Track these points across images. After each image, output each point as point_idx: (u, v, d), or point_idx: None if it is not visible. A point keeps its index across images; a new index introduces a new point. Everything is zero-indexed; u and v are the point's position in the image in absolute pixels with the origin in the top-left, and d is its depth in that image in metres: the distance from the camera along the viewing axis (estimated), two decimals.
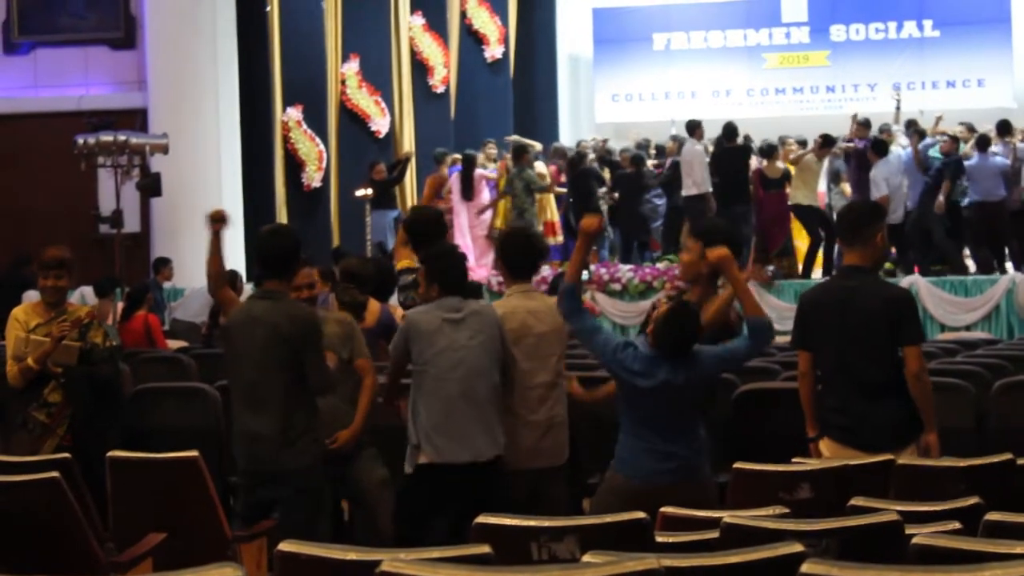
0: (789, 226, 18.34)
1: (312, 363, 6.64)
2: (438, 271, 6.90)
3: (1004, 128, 18.08)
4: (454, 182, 19.20)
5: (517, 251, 7.21)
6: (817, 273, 17.81)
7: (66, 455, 6.46)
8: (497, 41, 24.20)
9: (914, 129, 18.47)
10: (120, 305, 14.49)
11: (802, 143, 18.80)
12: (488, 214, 18.97)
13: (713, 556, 4.13)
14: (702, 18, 25.99)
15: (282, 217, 19.60)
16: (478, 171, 19.06)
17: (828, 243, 17.58)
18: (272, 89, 19.98)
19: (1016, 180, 17.33)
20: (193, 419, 8.30)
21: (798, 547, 4.04)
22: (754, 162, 18.46)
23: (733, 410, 7.96)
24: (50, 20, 20.05)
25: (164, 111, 18.78)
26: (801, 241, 18.59)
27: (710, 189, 18.10)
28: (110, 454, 6.43)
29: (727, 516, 4.66)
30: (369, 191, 18.87)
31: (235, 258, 17.89)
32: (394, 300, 9.51)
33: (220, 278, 7.59)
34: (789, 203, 17.89)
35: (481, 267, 17.72)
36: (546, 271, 17.72)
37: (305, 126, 20.13)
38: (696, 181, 18.07)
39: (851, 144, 18.73)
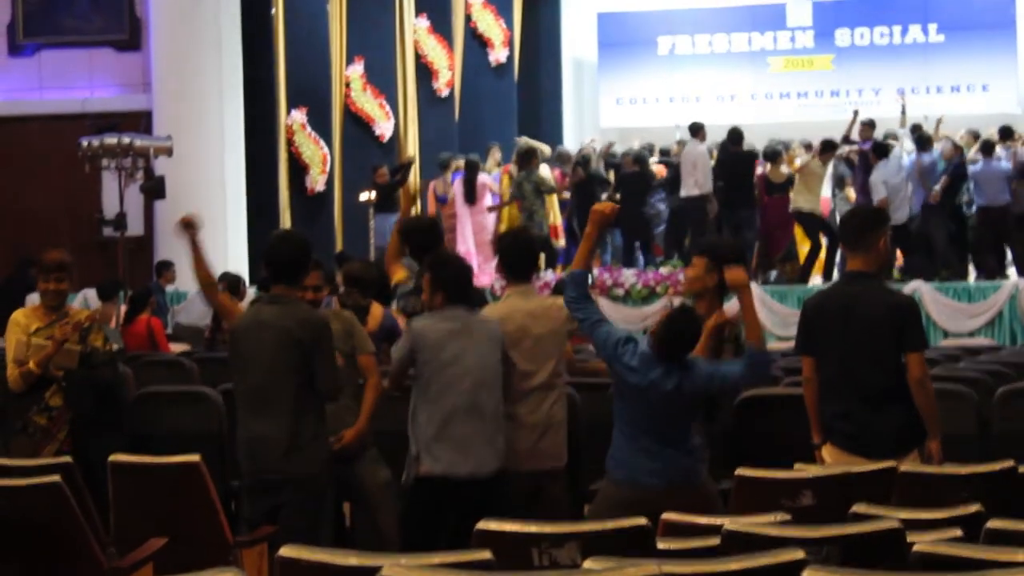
0: (793, 230, 18.35)
1: (322, 367, 6.63)
2: (443, 280, 6.85)
3: (1006, 133, 18.09)
4: (457, 187, 19.19)
5: (516, 252, 7.21)
6: (816, 279, 17.80)
7: (68, 459, 6.46)
8: (502, 44, 24.19)
9: (918, 135, 18.42)
10: (123, 308, 14.49)
11: (807, 147, 18.80)
12: (492, 219, 18.96)
13: (714, 562, 4.13)
14: (707, 22, 25.98)
15: (285, 220, 19.59)
16: (481, 176, 19.04)
17: (831, 249, 17.57)
18: (276, 92, 19.97)
19: (1020, 184, 17.32)
20: (195, 423, 8.29)
21: (800, 554, 4.04)
22: (758, 167, 18.46)
23: (735, 416, 7.95)
24: (55, 22, 20.04)
25: (168, 114, 18.78)
26: (806, 247, 18.60)
27: (711, 190, 18.10)
28: (112, 458, 6.43)
29: (728, 523, 4.66)
30: (373, 195, 18.88)
31: (238, 262, 17.95)
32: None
33: (211, 285, 7.57)
34: (790, 208, 17.89)
35: (484, 273, 17.72)
36: (549, 276, 17.74)
37: (309, 129, 20.13)
38: (698, 181, 18.08)
39: (855, 146, 18.75)
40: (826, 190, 19.41)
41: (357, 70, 21.25)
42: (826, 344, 6.77)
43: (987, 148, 17.62)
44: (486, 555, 4.04)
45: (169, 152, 17.64)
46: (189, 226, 7.44)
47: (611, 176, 20.24)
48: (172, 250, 18.09)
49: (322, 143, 20.23)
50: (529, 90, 25.08)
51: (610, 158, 20.67)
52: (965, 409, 8.08)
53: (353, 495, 7.52)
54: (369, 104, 21.27)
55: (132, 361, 10.89)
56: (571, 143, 23.81)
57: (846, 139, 18.89)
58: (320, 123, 20.37)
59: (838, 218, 16.66)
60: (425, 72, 22.74)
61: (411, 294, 7.95)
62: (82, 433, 7.48)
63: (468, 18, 23.98)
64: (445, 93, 23.02)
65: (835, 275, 17.12)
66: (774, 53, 25.69)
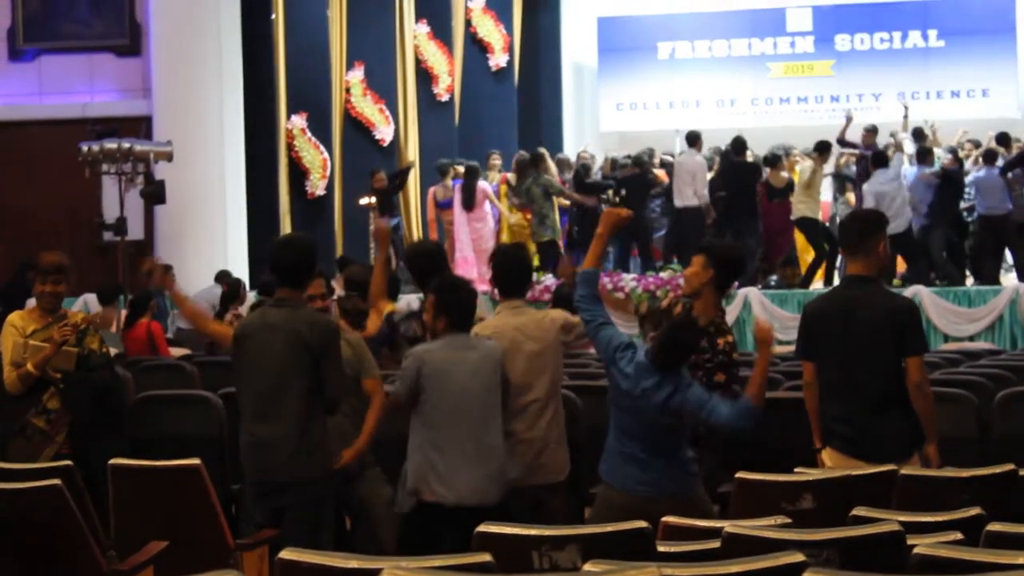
0: (793, 235, 18.36)
1: (330, 370, 6.63)
2: (448, 304, 6.82)
3: (1003, 140, 18.07)
4: (456, 193, 19.19)
5: (508, 269, 7.21)
6: (817, 284, 17.80)
7: (68, 462, 6.45)
8: (502, 49, 24.20)
9: (919, 147, 18.40)
10: (123, 313, 14.49)
11: (809, 153, 18.80)
12: (491, 226, 18.95)
13: (714, 565, 4.13)
14: (707, 27, 25.98)
15: (285, 225, 19.59)
16: (480, 184, 19.03)
17: (831, 255, 17.58)
18: (276, 97, 19.97)
19: (1020, 191, 17.32)
20: (196, 427, 8.30)
21: (799, 556, 4.04)
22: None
23: None
24: (55, 27, 20.04)
25: (168, 118, 18.77)
26: (809, 255, 18.61)
27: (708, 200, 18.07)
28: (112, 461, 6.43)
29: (728, 525, 4.66)
30: (373, 199, 18.87)
31: (238, 266, 17.96)
32: (400, 305, 9.50)
33: (199, 319, 7.69)
34: (792, 217, 17.89)
35: (483, 281, 17.71)
36: (549, 280, 17.74)
37: (309, 134, 20.13)
38: (697, 191, 18.05)
39: (857, 151, 18.77)
40: (827, 195, 19.43)
41: (357, 75, 21.25)
42: (826, 348, 6.78)
43: (989, 157, 17.62)
44: (486, 558, 4.03)
45: (169, 157, 17.64)
46: (157, 274, 7.43)
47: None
48: (172, 254, 18.11)
49: (322, 148, 20.24)
50: (529, 95, 25.08)
51: (613, 170, 20.59)
52: (965, 413, 8.09)
53: (351, 511, 7.52)
54: (369, 109, 21.28)
55: (132, 365, 10.88)
56: (571, 148, 23.79)
57: (840, 141, 18.90)
58: (320, 128, 20.37)
59: (839, 222, 16.64)
60: (425, 77, 22.75)
61: (410, 317, 7.92)
62: (81, 436, 7.47)
63: (468, 23, 23.98)
64: (445, 98, 23.02)
65: (835, 280, 17.14)
66: (774, 58, 25.69)
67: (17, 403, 7.49)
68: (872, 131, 19.02)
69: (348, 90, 21.19)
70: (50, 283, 7.60)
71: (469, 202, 18.76)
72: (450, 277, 7.37)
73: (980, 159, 18.12)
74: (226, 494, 7.73)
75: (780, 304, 17.25)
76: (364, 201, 18.92)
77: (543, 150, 19.78)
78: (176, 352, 13.58)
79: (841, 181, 19.60)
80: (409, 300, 14.67)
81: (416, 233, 21.70)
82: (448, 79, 23.02)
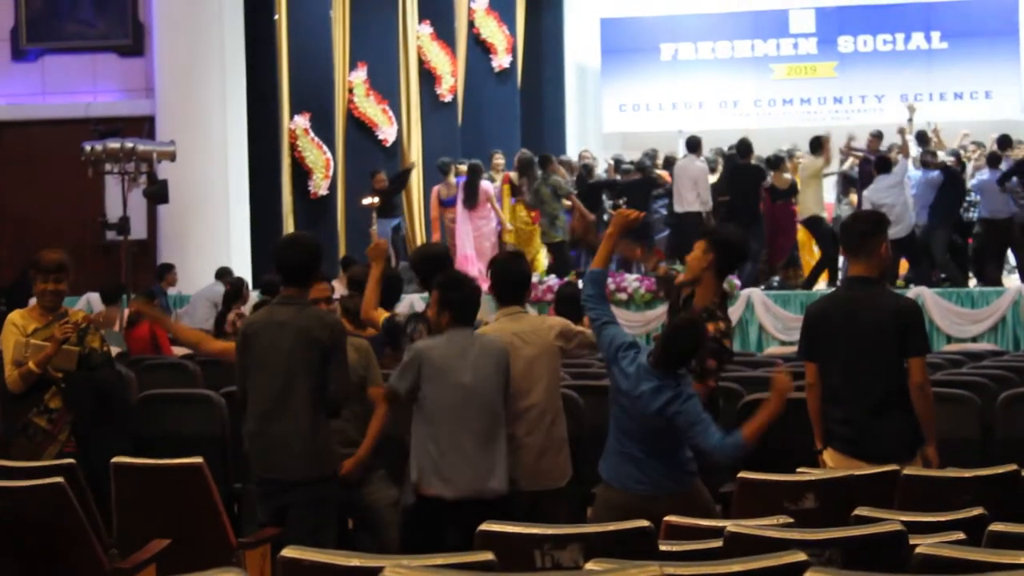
0: (795, 237, 18.36)
1: (336, 370, 6.64)
2: (452, 301, 6.81)
3: (1005, 142, 18.03)
4: (459, 191, 19.19)
5: (504, 280, 7.20)
6: (820, 286, 17.79)
7: (71, 460, 6.45)
8: (505, 50, 24.20)
9: (926, 150, 18.38)
10: (126, 312, 14.50)
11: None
12: (493, 225, 18.95)
13: (716, 564, 4.13)
14: (710, 29, 26.00)
15: (288, 225, 19.59)
16: (483, 183, 19.02)
17: (834, 257, 17.58)
18: (280, 97, 19.97)
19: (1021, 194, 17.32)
20: (198, 426, 8.30)
21: (801, 556, 4.04)
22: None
23: (738, 419, 7.95)
24: (58, 27, 20.04)
25: (171, 118, 18.78)
26: (810, 256, 18.61)
27: (711, 206, 18.04)
28: (114, 460, 6.43)
29: (730, 525, 4.66)
30: (376, 200, 18.87)
31: (241, 266, 17.95)
32: (400, 308, 9.50)
33: (200, 342, 7.84)
34: (800, 218, 17.91)
35: (485, 279, 17.70)
36: (552, 280, 17.75)
37: (312, 134, 20.13)
38: (700, 196, 18.01)
39: (862, 153, 18.79)
40: (830, 196, 19.43)
41: (360, 75, 21.25)
42: (829, 349, 6.77)
43: (993, 160, 17.60)
44: (488, 556, 4.03)
45: (172, 157, 17.64)
46: (141, 313, 7.40)
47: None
48: (175, 254, 18.15)
49: (325, 148, 20.24)
50: (532, 96, 25.09)
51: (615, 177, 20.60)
52: (968, 414, 8.09)
53: (356, 515, 7.52)
54: (372, 109, 21.28)
55: (135, 364, 10.88)
56: (574, 149, 23.81)
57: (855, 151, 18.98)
58: (323, 128, 20.37)
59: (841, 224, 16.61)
60: (428, 78, 22.75)
61: (415, 319, 7.90)
62: (83, 435, 7.45)
63: (471, 24, 23.99)
64: (448, 99, 23.02)
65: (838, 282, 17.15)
66: (777, 60, 25.71)
67: (19, 402, 7.44)
68: (877, 136, 19.03)
69: (351, 90, 21.20)
70: (51, 281, 7.54)
71: (472, 200, 18.76)
72: (453, 273, 7.36)
73: (984, 161, 18.11)
74: (228, 493, 7.73)
75: (783, 305, 17.25)
76: (367, 201, 18.91)
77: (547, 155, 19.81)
78: (179, 351, 13.58)
79: (845, 183, 19.60)
80: (412, 300, 14.68)
81: (419, 233, 21.72)
82: (451, 80, 23.03)
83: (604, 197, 19.51)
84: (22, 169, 19.80)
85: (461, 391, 6.61)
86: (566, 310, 10.26)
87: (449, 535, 6.50)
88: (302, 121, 20.05)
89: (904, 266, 17.86)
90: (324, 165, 20.18)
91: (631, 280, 18.00)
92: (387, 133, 21.41)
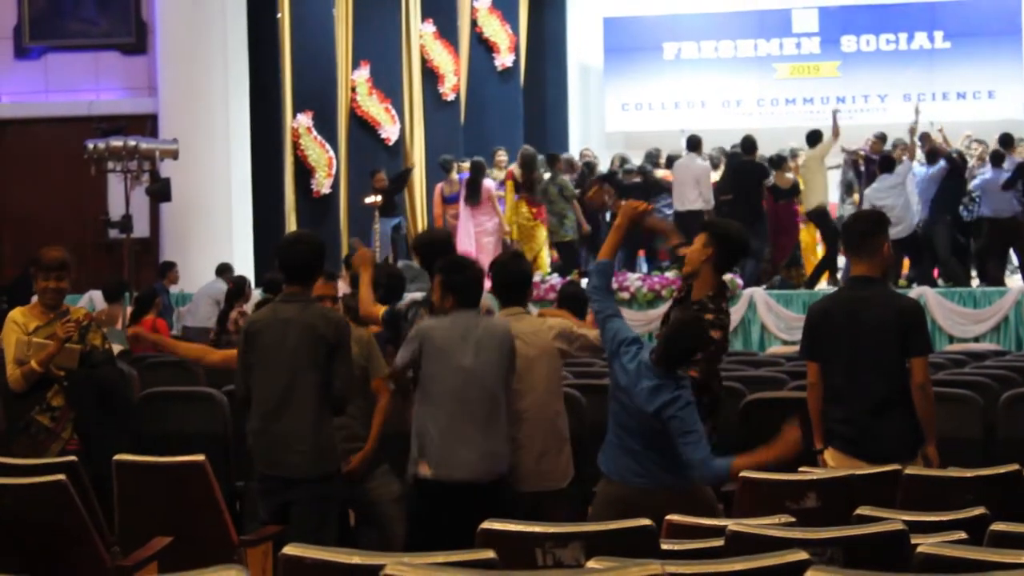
0: (798, 236, 18.36)
1: (340, 368, 6.65)
2: (455, 284, 6.81)
3: (1007, 141, 17.99)
4: (461, 188, 19.20)
5: (505, 281, 7.18)
6: (822, 284, 17.78)
7: (72, 458, 6.45)
8: (508, 49, 24.20)
9: (931, 147, 18.36)
10: (129, 310, 14.50)
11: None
12: (495, 222, 18.95)
13: (718, 563, 4.13)
14: (713, 28, 25.99)
15: (291, 223, 19.59)
16: (487, 182, 19.02)
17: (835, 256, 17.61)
18: (282, 95, 19.97)
19: None
20: (200, 423, 8.31)
21: (803, 555, 4.04)
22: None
23: (741, 419, 7.96)
24: (61, 25, 20.06)
25: (174, 116, 18.79)
26: (813, 255, 18.60)
27: (714, 204, 18.03)
28: (117, 457, 6.42)
29: (732, 524, 4.66)
30: (379, 198, 18.88)
31: (244, 264, 17.96)
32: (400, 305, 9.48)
33: (202, 355, 7.80)
34: (806, 209, 17.91)
35: (487, 277, 17.69)
36: (555, 279, 17.75)
37: (315, 132, 20.13)
38: (703, 194, 18.00)
39: (858, 151, 18.80)
40: (833, 197, 19.41)
41: (363, 74, 21.25)
42: (831, 349, 6.77)
43: (996, 159, 17.58)
44: (490, 554, 4.03)
45: (175, 155, 17.66)
46: (137, 340, 7.37)
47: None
48: (178, 252, 18.16)
49: (328, 146, 20.24)
50: (535, 95, 25.09)
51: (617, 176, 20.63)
52: (970, 414, 8.09)
53: (364, 510, 7.52)
54: (375, 108, 21.27)
55: (138, 362, 10.89)
56: (576, 148, 23.79)
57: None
58: (326, 127, 20.37)
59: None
60: (431, 76, 22.75)
61: (415, 304, 7.90)
62: (86, 433, 7.44)
63: (474, 23, 23.98)
64: (451, 97, 23.02)
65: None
66: (780, 59, 25.70)
67: (21, 401, 7.42)
68: (881, 138, 19.01)
69: (354, 89, 21.19)
70: (52, 279, 7.50)
71: (475, 197, 18.77)
72: (455, 257, 7.36)
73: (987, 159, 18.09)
74: (230, 490, 7.74)
75: (785, 304, 17.24)
76: (370, 200, 18.92)
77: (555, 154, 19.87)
78: None
79: (848, 184, 19.58)
80: (413, 297, 14.69)
81: (421, 230, 21.70)
82: (454, 79, 23.03)
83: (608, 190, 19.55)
84: (25, 167, 19.82)
85: (462, 373, 6.60)
86: (569, 309, 10.23)
87: (445, 517, 6.49)
88: (305, 119, 20.05)
89: (906, 265, 17.85)
90: (327, 164, 20.18)
91: (633, 279, 18.00)
92: (390, 132, 21.41)
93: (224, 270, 17.11)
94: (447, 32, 23.00)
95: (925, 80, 24.68)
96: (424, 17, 22.69)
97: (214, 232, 18.60)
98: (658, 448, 6.35)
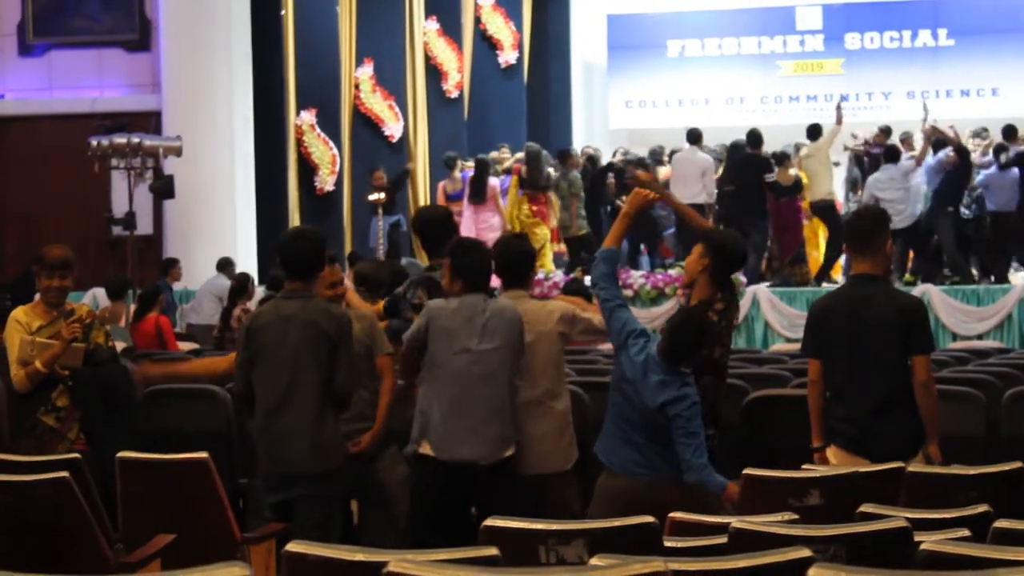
0: (802, 233, 18.34)
1: (343, 364, 6.64)
2: (463, 267, 6.80)
3: (1010, 132, 17.95)
4: (465, 186, 19.20)
5: (508, 260, 7.16)
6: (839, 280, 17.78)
7: (76, 455, 6.44)
8: (511, 46, 24.22)
9: (937, 138, 18.35)
10: (132, 307, 14.51)
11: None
12: (498, 219, 18.96)
13: (721, 560, 4.13)
14: (716, 25, 26.00)
15: (294, 220, 19.59)
16: (491, 180, 19.03)
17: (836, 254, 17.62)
18: (286, 92, 19.99)
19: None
20: (203, 421, 8.30)
21: (806, 552, 4.04)
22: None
23: (743, 416, 7.96)
24: (64, 22, 20.07)
25: (178, 113, 18.81)
26: (816, 251, 18.60)
27: (714, 199, 18.02)
28: (120, 455, 6.42)
29: (735, 521, 4.66)
30: (382, 195, 18.90)
31: (247, 261, 17.97)
32: None
33: (210, 371, 7.66)
34: (810, 203, 17.91)
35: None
36: (558, 276, 17.77)
37: (319, 130, 20.15)
38: (707, 188, 18.00)
39: (862, 147, 18.78)
40: (839, 195, 19.41)
41: (366, 71, 21.27)
42: (833, 347, 6.75)
43: (999, 152, 17.56)
44: (493, 551, 4.03)
45: (178, 152, 17.67)
46: (148, 378, 7.30)
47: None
48: (181, 249, 18.17)
49: (331, 144, 20.25)
50: (538, 92, 25.12)
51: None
52: (974, 411, 8.07)
53: (367, 493, 7.51)
54: (378, 105, 21.29)
55: (141, 359, 10.88)
56: (580, 145, 23.80)
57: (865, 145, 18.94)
58: (330, 124, 20.39)
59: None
60: (434, 74, 22.77)
61: (413, 285, 7.89)
62: (91, 431, 7.41)
63: (477, 20, 24.00)
64: (454, 95, 23.04)
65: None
66: (784, 56, 25.71)
67: (26, 402, 7.36)
68: (885, 131, 18.99)
69: (357, 86, 21.20)
70: (56, 278, 7.44)
71: (480, 195, 18.78)
72: (463, 240, 7.35)
73: (991, 152, 18.07)
74: (233, 488, 7.72)
75: (788, 302, 17.24)
76: (373, 197, 18.94)
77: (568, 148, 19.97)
78: (184, 347, 13.60)
79: (854, 180, 19.58)
80: (412, 279, 14.70)
81: None
82: (457, 76, 23.05)
83: (610, 183, 19.65)
84: (28, 164, 19.83)
85: (466, 355, 6.61)
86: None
87: (452, 496, 6.50)
88: (308, 117, 20.06)
89: (911, 256, 17.88)
90: (330, 161, 20.20)
91: (637, 276, 18.01)
92: (393, 129, 21.43)
93: (225, 265, 17.13)
94: (450, 29, 23.01)
95: (929, 77, 24.67)
96: (428, 14, 22.71)
97: (218, 229, 18.61)
98: (661, 442, 6.37)
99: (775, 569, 3.99)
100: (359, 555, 3.97)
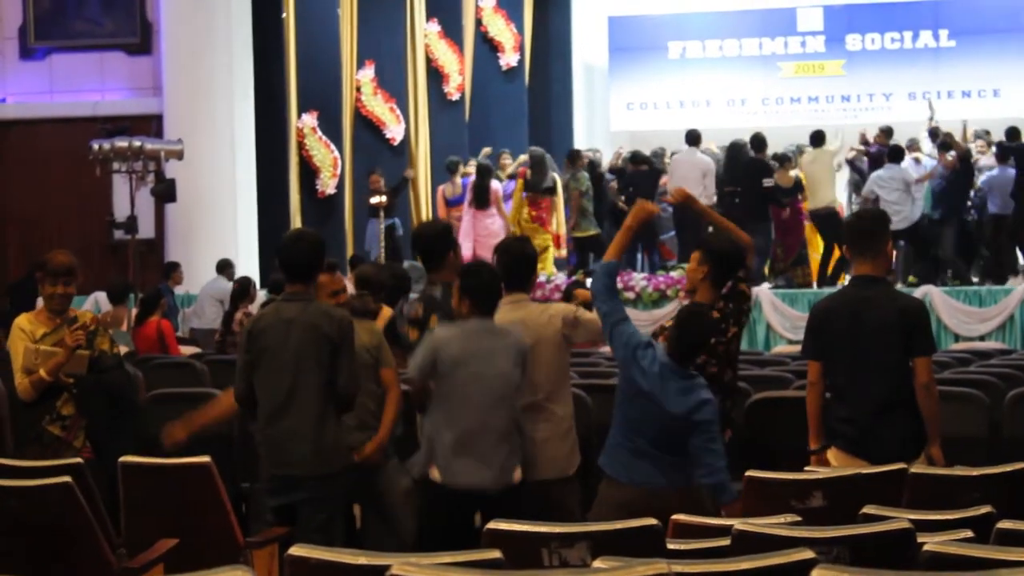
0: (803, 234, 18.34)
1: (346, 363, 6.64)
2: (469, 288, 6.74)
3: (1013, 134, 17.95)
4: (467, 191, 19.20)
5: (509, 263, 7.13)
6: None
7: (79, 460, 6.44)
8: (512, 49, 24.22)
9: (942, 140, 18.35)
10: (134, 311, 14.51)
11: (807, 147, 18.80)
12: (500, 224, 18.96)
13: (724, 562, 4.13)
14: (717, 27, 25.99)
15: (296, 223, 19.56)
16: (493, 184, 19.03)
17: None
18: (287, 95, 19.99)
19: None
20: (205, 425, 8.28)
21: (809, 553, 4.03)
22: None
23: (746, 419, 7.96)
24: (66, 26, 20.09)
25: (179, 117, 18.81)
26: (816, 252, 18.60)
27: (715, 201, 18.02)
28: (122, 459, 6.42)
29: (738, 523, 4.65)
30: (384, 198, 18.90)
31: (249, 265, 17.97)
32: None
33: (224, 413, 7.54)
34: (810, 209, 17.91)
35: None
36: (561, 279, 17.77)
37: (320, 133, 20.14)
38: (708, 190, 17.99)
39: (862, 148, 18.78)
40: (842, 196, 19.42)
41: (368, 74, 21.26)
42: (834, 348, 6.74)
43: (1003, 155, 17.56)
44: (496, 554, 4.03)
45: (180, 155, 17.68)
46: (176, 441, 7.22)
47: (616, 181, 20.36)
48: (183, 253, 18.17)
49: (333, 146, 20.25)
50: (540, 94, 25.11)
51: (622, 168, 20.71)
52: (976, 412, 8.08)
53: (371, 502, 7.51)
54: (380, 108, 21.29)
55: (143, 363, 10.90)
56: (582, 147, 23.78)
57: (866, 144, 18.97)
58: (331, 127, 20.39)
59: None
60: (436, 76, 22.76)
61: (415, 300, 7.87)
62: (96, 439, 7.38)
63: (479, 22, 24.00)
64: (456, 97, 23.04)
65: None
66: (785, 58, 25.70)
67: (30, 411, 7.34)
68: (886, 132, 18.99)
69: (359, 89, 21.20)
70: (60, 285, 7.39)
71: (483, 201, 18.77)
72: (473, 262, 7.34)
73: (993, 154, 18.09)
74: (236, 492, 7.73)
75: (791, 304, 17.25)
76: (375, 200, 18.94)
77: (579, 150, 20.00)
78: (186, 351, 13.60)
79: (856, 184, 19.59)
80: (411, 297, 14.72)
81: None
82: (459, 78, 23.04)
83: (611, 185, 19.69)
84: (30, 167, 19.85)
85: (475, 383, 6.55)
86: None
87: (453, 520, 6.49)
88: (310, 120, 20.06)
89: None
90: (332, 164, 20.20)
91: (638, 279, 18.02)
92: (395, 132, 21.43)
93: (225, 267, 17.13)
94: (452, 31, 23.01)
95: (930, 78, 24.65)
96: (429, 16, 22.71)
97: (219, 233, 18.61)
98: (674, 452, 6.37)
99: (778, 571, 3.99)
100: (362, 559, 3.96)
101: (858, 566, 4.07)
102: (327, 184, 20.14)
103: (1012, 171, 17.20)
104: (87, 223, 19.40)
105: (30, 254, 18.46)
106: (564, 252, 19.58)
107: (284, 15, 20.07)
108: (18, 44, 20.26)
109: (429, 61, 22.66)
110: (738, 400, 7.74)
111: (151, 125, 19.10)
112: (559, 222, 19.34)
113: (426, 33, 22.61)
